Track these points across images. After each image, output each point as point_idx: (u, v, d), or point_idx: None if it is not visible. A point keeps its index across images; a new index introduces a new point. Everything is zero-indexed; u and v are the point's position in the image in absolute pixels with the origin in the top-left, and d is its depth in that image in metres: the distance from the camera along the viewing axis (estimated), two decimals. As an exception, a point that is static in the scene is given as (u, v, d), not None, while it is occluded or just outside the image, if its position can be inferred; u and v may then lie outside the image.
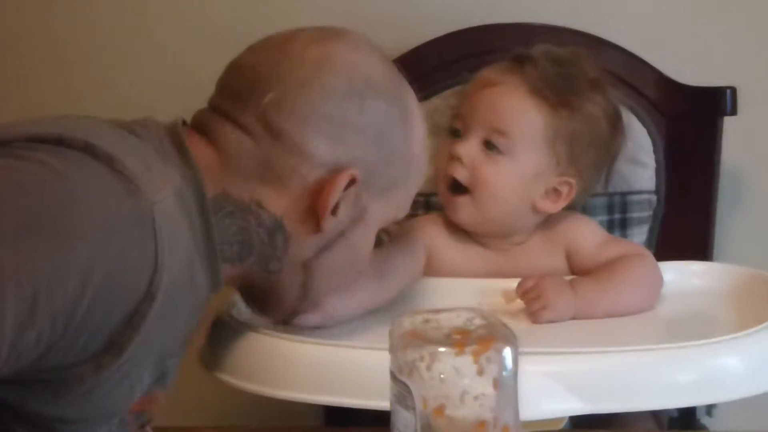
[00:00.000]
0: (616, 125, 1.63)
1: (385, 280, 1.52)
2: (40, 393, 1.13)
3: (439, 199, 1.63)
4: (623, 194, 1.81)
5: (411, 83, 1.76)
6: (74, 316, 1.06)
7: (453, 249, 1.63)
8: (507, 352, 0.99)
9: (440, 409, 0.98)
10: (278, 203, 1.26)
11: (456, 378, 0.98)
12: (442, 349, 0.98)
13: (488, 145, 1.57)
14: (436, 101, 1.82)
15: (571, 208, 1.64)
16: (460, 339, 0.99)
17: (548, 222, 1.63)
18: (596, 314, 1.51)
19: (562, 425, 1.35)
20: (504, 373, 0.99)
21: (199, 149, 1.25)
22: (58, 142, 1.13)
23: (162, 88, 2.01)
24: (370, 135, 1.28)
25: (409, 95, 1.35)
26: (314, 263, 1.30)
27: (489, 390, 0.98)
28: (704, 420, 1.84)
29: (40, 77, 2.12)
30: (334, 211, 1.27)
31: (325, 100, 1.26)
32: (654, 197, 1.82)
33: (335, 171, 1.26)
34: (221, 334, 1.45)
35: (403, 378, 0.99)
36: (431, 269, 1.62)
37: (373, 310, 1.48)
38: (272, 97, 1.25)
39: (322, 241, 1.29)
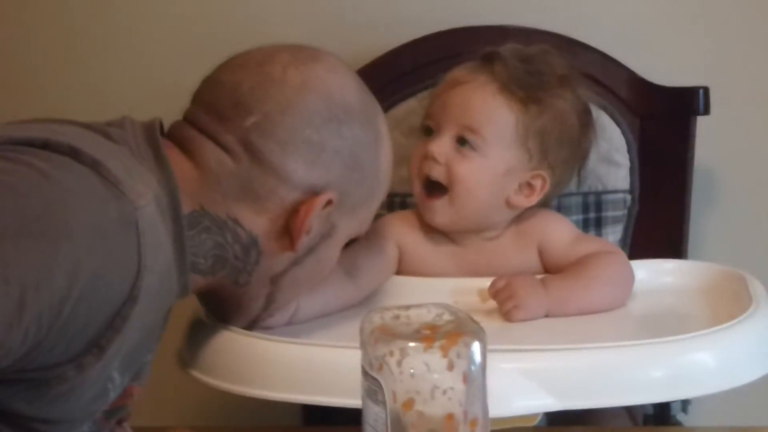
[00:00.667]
0: (585, 120, 1.64)
1: (355, 279, 1.54)
2: (21, 393, 1.14)
3: (415, 200, 1.64)
4: (598, 193, 1.81)
5: (387, 86, 1.79)
6: (60, 315, 1.07)
7: (425, 246, 1.64)
8: (475, 347, 1.00)
9: (409, 404, 0.99)
10: (255, 222, 1.29)
11: (425, 372, 0.99)
12: (411, 344, 0.99)
13: (461, 142, 1.58)
14: (411, 103, 1.83)
15: (545, 205, 1.66)
16: (429, 334, 1.01)
17: (521, 218, 1.64)
18: (568, 312, 1.52)
19: (536, 422, 1.35)
20: (472, 367, 1.00)
21: (178, 162, 1.27)
22: (45, 145, 1.15)
23: (150, 91, 2.02)
24: (346, 158, 1.32)
25: (380, 115, 1.40)
26: (282, 277, 1.35)
27: (458, 384, 0.99)
28: (679, 416, 1.85)
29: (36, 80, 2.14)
30: (308, 230, 1.31)
31: (306, 125, 1.29)
32: (628, 196, 1.83)
33: (312, 193, 1.30)
34: (198, 334, 1.45)
35: (373, 373, 1.00)
36: (403, 267, 1.63)
37: (342, 308, 1.51)
38: (254, 121, 1.28)
39: (293, 257, 1.33)
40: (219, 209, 1.28)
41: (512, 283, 1.50)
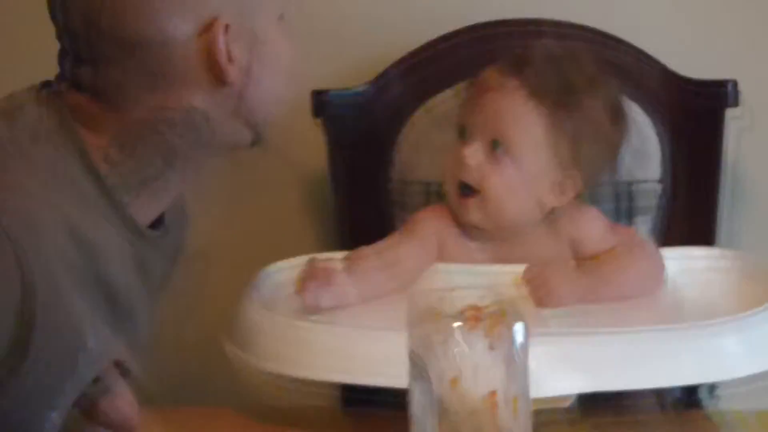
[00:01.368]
0: (617, 119, 1.67)
1: (396, 270, 1.58)
2: None
3: (449, 201, 1.68)
4: (629, 183, 1.85)
5: (424, 77, 1.83)
6: None
7: (460, 239, 1.68)
8: (518, 328, 1.05)
9: (455, 381, 1.04)
10: (178, 95, 1.26)
11: (469, 352, 1.04)
12: (456, 325, 1.04)
13: (493, 147, 1.61)
14: (448, 94, 1.88)
15: (577, 197, 1.69)
16: (473, 315, 1.06)
17: (553, 214, 1.67)
18: (599, 300, 1.56)
19: (569, 404, 1.40)
20: (515, 348, 1.05)
21: (78, 102, 1.25)
22: None
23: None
24: None
25: None
26: (243, 105, 1.30)
27: (500, 363, 1.04)
28: (706, 402, 1.88)
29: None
30: (230, 60, 1.26)
31: None
32: (659, 186, 1.87)
33: (206, 31, 1.24)
34: (242, 316, 1.50)
35: (420, 352, 1.05)
36: (440, 259, 1.67)
37: (384, 297, 1.55)
38: (108, 21, 1.23)
39: (238, 84, 1.28)
40: (140, 114, 1.25)
41: (545, 270, 1.55)
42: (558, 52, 1.65)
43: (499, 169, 1.61)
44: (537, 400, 1.29)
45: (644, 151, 1.85)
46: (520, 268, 1.58)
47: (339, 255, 1.64)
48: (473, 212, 1.64)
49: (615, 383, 1.39)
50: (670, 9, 2.04)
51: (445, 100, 1.88)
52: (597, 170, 1.67)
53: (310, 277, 1.50)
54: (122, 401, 1.28)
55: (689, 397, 1.85)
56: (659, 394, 1.73)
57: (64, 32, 1.27)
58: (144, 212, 1.29)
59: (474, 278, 1.58)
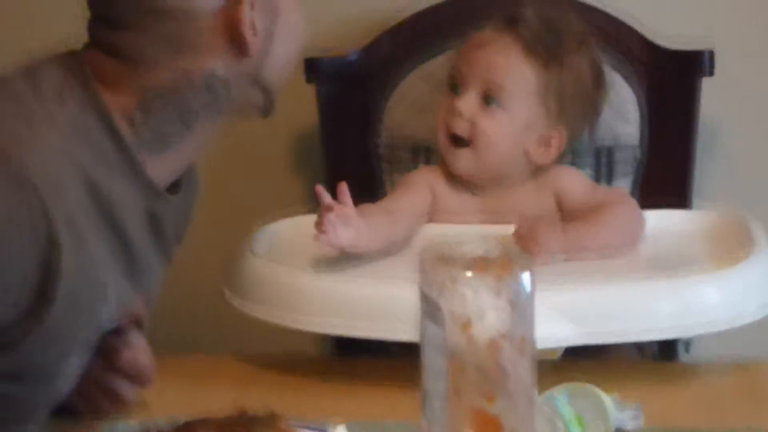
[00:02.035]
0: (600, 80, 1.76)
1: (398, 219, 1.66)
2: None
3: (439, 150, 1.75)
4: (609, 148, 1.92)
5: (417, 43, 1.89)
6: None
7: (451, 196, 1.76)
8: (525, 276, 1.12)
9: (466, 325, 1.11)
10: (202, 62, 1.29)
11: (479, 297, 1.11)
12: (467, 272, 1.11)
13: (486, 100, 1.69)
14: (438, 60, 1.94)
15: (560, 159, 1.77)
16: (483, 263, 1.12)
17: (539, 172, 1.75)
18: (585, 254, 1.63)
19: (558, 355, 1.48)
20: (522, 294, 1.12)
21: (104, 66, 1.29)
22: None
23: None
24: None
25: None
26: (261, 73, 1.34)
27: (509, 308, 1.11)
28: (683, 356, 1.96)
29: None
30: (253, 31, 1.30)
31: None
32: (638, 150, 1.94)
33: (232, 3, 1.28)
34: (241, 266, 1.57)
35: (434, 296, 1.12)
36: (432, 215, 1.75)
37: (391, 244, 1.62)
38: None
39: (258, 54, 1.32)
40: (162, 77, 1.28)
41: (535, 227, 1.63)
42: (550, 14, 1.73)
43: (490, 118, 1.69)
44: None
45: (623, 117, 1.93)
46: (509, 228, 1.65)
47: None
48: (464, 162, 1.72)
49: (603, 337, 1.47)
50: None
51: (435, 66, 1.94)
52: (579, 129, 1.77)
53: (328, 217, 1.54)
54: (140, 352, 1.35)
55: (667, 352, 1.92)
56: (640, 348, 1.82)
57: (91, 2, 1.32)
58: (161, 173, 1.33)
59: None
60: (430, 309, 1.13)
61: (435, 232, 1.70)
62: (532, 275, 1.13)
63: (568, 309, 1.45)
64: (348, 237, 1.54)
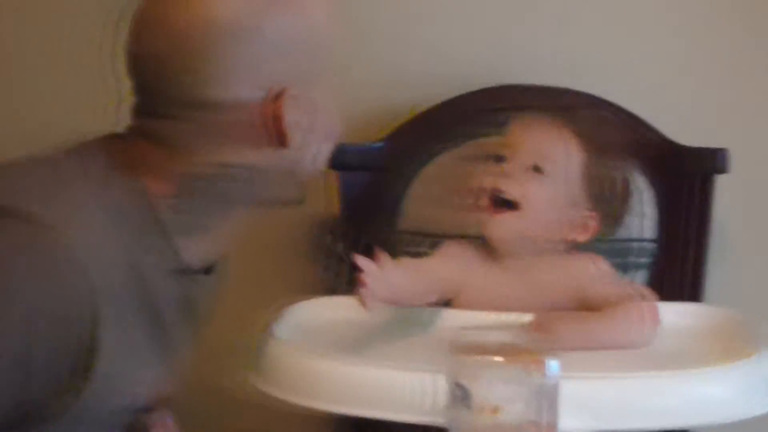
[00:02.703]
0: (627, 191, 1.83)
1: (421, 274, 1.71)
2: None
3: (476, 215, 1.76)
4: (625, 241, 1.95)
5: (433, 137, 1.92)
6: (30, 360, 1.19)
7: (477, 272, 1.77)
8: (552, 363, 1.16)
9: (495, 410, 1.14)
10: (242, 153, 1.33)
11: (509, 384, 1.14)
12: (497, 359, 1.15)
13: (535, 169, 1.73)
14: (457, 153, 1.99)
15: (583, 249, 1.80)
16: (512, 351, 1.16)
17: (564, 255, 1.78)
18: (599, 347, 1.64)
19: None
20: (548, 382, 1.15)
21: (146, 153, 1.33)
22: None
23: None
24: (281, 52, 1.32)
25: None
26: (297, 166, 1.37)
27: (536, 396, 1.15)
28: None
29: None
30: (293, 126, 1.33)
31: (230, 55, 1.29)
32: (653, 245, 1.97)
33: (274, 98, 1.31)
34: (267, 351, 1.58)
35: (464, 383, 1.15)
36: (458, 289, 1.77)
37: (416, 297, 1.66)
38: (186, 82, 1.30)
39: (296, 149, 1.35)
40: (204, 168, 1.32)
41: (551, 318, 1.65)
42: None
43: (539, 184, 1.73)
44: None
45: (640, 211, 1.96)
46: (526, 317, 1.67)
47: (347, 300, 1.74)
48: (506, 226, 1.74)
49: (609, 423, 1.46)
50: (667, 78, 2.15)
51: (453, 157, 1.99)
52: (609, 220, 1.80)
53: (366, 272, 1.58)
54: (171, 430, 1.37)
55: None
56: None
57: (139, 86, 1.35)
58: (196, 256, 1.37)
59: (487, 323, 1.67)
60: (460, 395, 1.16)
61: (456, 318, 1.70)
62: (559, 364, 1.16)
63: (584, 397, 1.46)
64: (382, 290, 1.58)
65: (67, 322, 1.21)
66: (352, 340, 1.64)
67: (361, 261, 1.58)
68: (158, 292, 1.32)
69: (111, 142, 1.36)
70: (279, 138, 1.32)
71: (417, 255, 1.95)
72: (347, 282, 2.04)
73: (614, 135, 1.82)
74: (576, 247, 1.79)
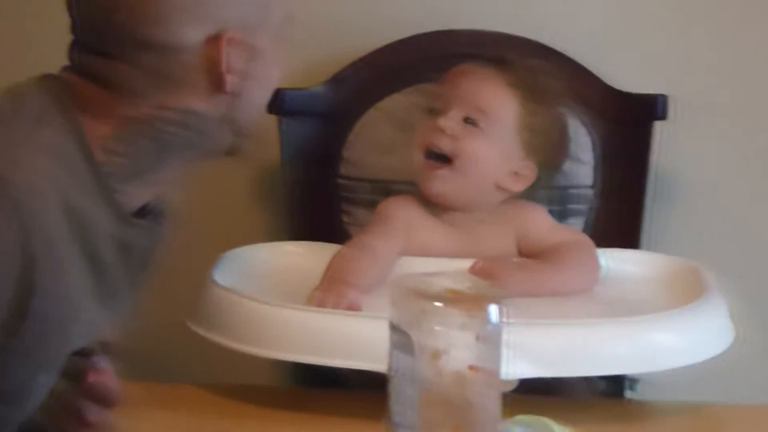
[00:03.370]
0: (565, 138, 1.84)
1: (380, 260, 1.70)
2: None
3: (415, 170, 1.78)
4: (563, 188, 1.96)
5: (374, 82, 1.92)
6: None
7: (423, 226, 1.79)
8: (493, 309, 1.16)
9: (435, 356, 1.14)
10: (180, 97, 1.31)
11: (449, 329, 1.14)
12: (437, 304, 1.15)
13: (469, 121, 1.73)
14: (398, 97, 1.99)
15: (523, 194, 1.81)
16: (452, 296, 1.16)
17: (504, 205, 1.79)
18: (543, 293, 1.68)
19: (512, 388, 1.51)
20: (491, 327, 1.16)
21: (83, 92, 1.30)
22: None
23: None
24: None
25: None
26: (233, 113, 1.34)
27: (475, 341, 1.15)
28: (628, 393, 2.00)
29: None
30: (230, 70, 1.30)
31: None
32: (590, 191, 1.98)
33: (213, 41, 1.29)
34: (208, 297, 1.60)
35: (404, 328, 1.15)
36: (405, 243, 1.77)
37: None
38: (124, 20, 1.27)
39: (232, 94, 1.32)
40: (141, 110, 1.29)
41: (495, 264, 1.67)
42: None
43: (473, 138, 1.73)
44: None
45: (578, 157, 1.97)
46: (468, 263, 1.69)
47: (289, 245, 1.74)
48: (440, 182, 1.75)
49: (555, 370, 1.50)
50: (606, 23, 2.16)
51: (395, 102, 1.98)
52: (546, 169, 1.81)
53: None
54: (108, 376, 1.36)
55: (614, 390, 1.97)
56: (588, 381, 1.86)
57: (78, 24, 1.33)
58: (131, 201, 1.35)
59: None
60: (400, 340, 1.16)
61: (407, 265, 1.72)
62: (501, 309, 1.16)
63: (524, 345, 1.47)
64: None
65: (1, 261, 1.19)
66: (294, 287, 1.65)
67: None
68: (96, 236, 1.30)
69: (47, 81, 1.33)
70: (215, 81, 1.31)
71: (359, 202, 1.96)
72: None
73: (556, 83, 1.80)
74: (513, 197, 1.80)
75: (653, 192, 2.05)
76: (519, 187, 1.78)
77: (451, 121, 1.73)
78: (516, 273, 1.67)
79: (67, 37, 1.34)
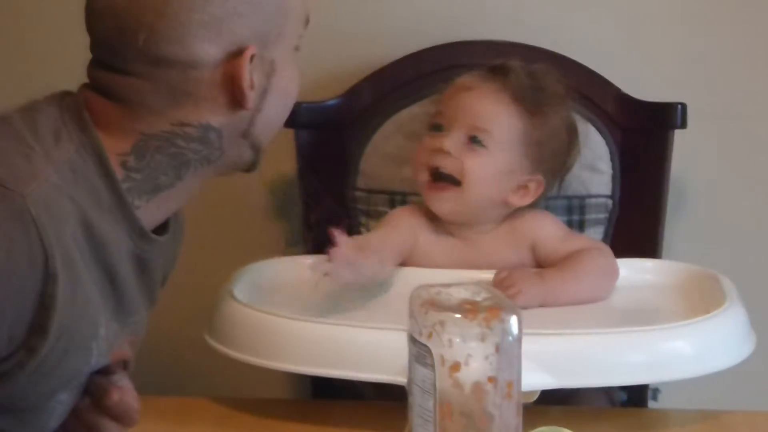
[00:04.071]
0: (573, 138, 1.81)
1: (384, 256, 1.69)
2: None
3: (420, 190, 1.77)
4: (581, 197, 1.95)
5: (390, 93, 1.92)
6: None
7: (431, 238, 1.78)
8: (513, 320, 1.15)
9: (454, 368, 1.13)
10: (200, 113, 1.31)
11: (467, 341, 1.14)
12: (456, 316, 1.14)
13: (472, 140, 1.72)
14: (414, 109, 1.97)
15: (534, 206, 1.80)
16: (471, 308, 1.15)
17: (514, 217, 1.78)
18: (561, 302, 1.66)
19: (534, 398, 1.50)
20: (509, 338, 1.15)
21: (102, 109, 1.30)
22: None
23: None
24: (243, 12, 1.31)
25: None
26: (252, 127, 1.36)
27: (495, 353, 1.14)
28: (650, 404, 1.99)
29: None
30: (251, 86, 1.31)
31: (190, 11, 1.28)
32: (609, 201, 1.97)
33: (233, 57, 1.30)
34: (225, 312, 1.59)
35: (423, 340, 1.15)
36: (410, 256, 1.77)
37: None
38: (144, 38, 1.28)
39: (252, 110, 1.34)
40: (160, 126, 1.30)
41: (514, 273, 1.66)
42: (535, 68, 1.78)
43: (477, 158, 1.72)
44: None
45: (596, 167, 1.96)
46: (484, 274, 1.69)
47: (307, 259, 1.74)
48: (446, 202, 1.74)
49: (576, 380, 1.49)
50: (624, 35, 2.15)
51: (411, 115, 1.97)
52: (552, 181, 1.80)
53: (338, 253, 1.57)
54: (127, 394, 1.36)
55: (636, 399, 1.96)
56: (608, 393, 1.85)
57: (97, 42, 1.33)
58: (150, 217, 1.35)
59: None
60: (419, 352, 1.15)
61: (416, 276, 1.70)
62: (520, 320, 1.15)
63: (545, 355, 1.47)
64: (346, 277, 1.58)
65: (18, 277, 1.19)
66: (312, 300, 1.64)
67: (339, 237, 1.57)
68: (113, 251, 1.31)
69: (63, 98, 1.33)
70: (235, 97, 1.31)
71: (375, 214, 1.96)
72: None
73: (558, 85, 1.78)
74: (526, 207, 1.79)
75: (671, 201, 2.04)
76: (527, 200, 1.77)
77: (454, 142, 1.72)
78: (536, 282, 1.66)
79: (77, 54, 1.34)
